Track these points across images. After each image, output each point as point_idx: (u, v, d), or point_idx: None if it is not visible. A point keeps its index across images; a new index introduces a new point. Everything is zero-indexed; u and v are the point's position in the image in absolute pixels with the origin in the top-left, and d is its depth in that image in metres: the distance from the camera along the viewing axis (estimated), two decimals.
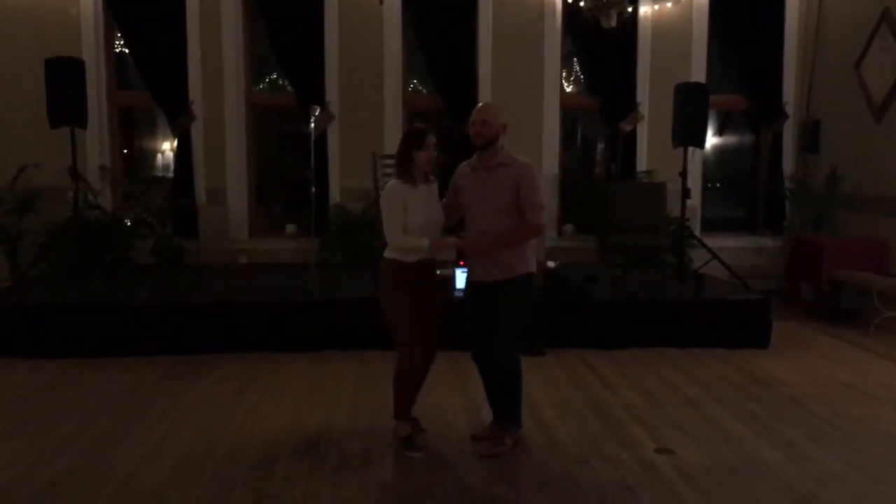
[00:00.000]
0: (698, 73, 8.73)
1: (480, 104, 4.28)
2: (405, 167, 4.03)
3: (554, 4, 8.63)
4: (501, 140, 4.10)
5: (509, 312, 4.08)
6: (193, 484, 3.80)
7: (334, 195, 8.56)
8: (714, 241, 7.87)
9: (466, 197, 4.17)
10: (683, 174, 7.21)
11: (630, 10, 8.47)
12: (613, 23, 8.34)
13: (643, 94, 8.82)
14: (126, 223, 8.14)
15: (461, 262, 6.20)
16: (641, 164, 8.84)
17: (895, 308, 6.85)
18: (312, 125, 6.73)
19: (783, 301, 8.10)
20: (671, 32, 8.76)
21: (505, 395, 4.27)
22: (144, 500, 3.63)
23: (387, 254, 4.14)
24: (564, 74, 9.22)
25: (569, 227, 8.96)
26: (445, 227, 4.34)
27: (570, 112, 9.34)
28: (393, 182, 4.09)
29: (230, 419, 4.72)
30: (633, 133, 8.86)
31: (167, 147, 9.53)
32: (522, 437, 4.37)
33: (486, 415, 4.72)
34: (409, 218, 4.00)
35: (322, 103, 8.25)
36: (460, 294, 6.04)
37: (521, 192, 3.99)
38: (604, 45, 8.63)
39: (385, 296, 4.15)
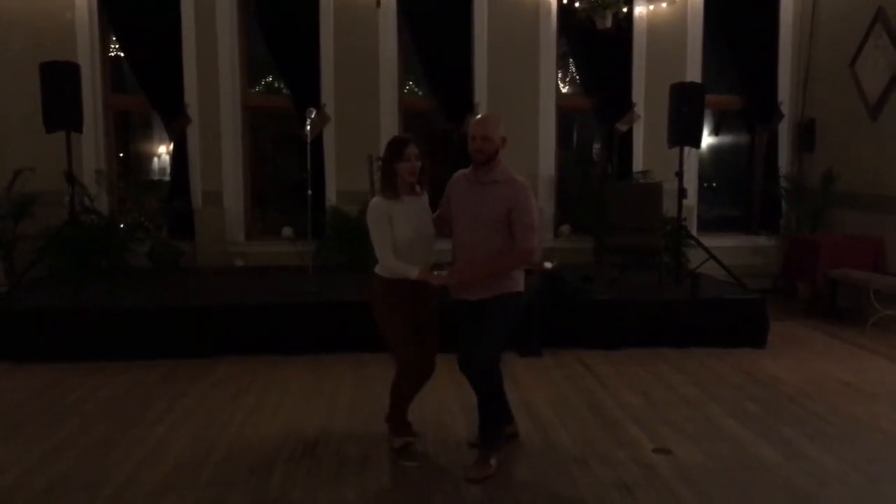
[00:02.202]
0: (694, 73, 8.73)
1: (479, 116, 4.14)
2: (387, 180, 3.91)
3: (549, 5, 8.63)
4: (500, 154, 3.94)
5: (489, 329, 3.93)
6: (191, 487, 3.80)
7: (331, 198, 8.55)
8: (710, 241, 7.86)
9: (457, 207, 4.04)
10: (679, 174, 7.22)
11: (625, 10, 8.48)
12: (609, 23, 8.35)
13: (639, 94, 8.82)
14: (122, 227, 8.13)
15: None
16: (638, 164, 8.84)
17: (891, 306, 6.87)
18: (308, 128, 6.74)
19: (780, 300, 8.11)
20: (666, 32, 8.77)
21: (484, 412, 4.09)
22: None
23: (377, 270, 4.02)
24: (560, 75, 9.23)
25: (565, 228, 8.96)
26: (439, 237, 4.16)
27: (566, 113, 9.34)
28: (375, 199, 3.95)
29: (228, 422, 4.72)
30: (630, 133, 8.87)
31: (163, 150, 9.53)
32: (514, 443, 4.33)
33: None
34: (396, 233, 3.88)
35: (318, 106, 8.24)
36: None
37: (513, 213, 3.85)
38: (599, 45, 8.64)
39: (376, 309, 4.06)
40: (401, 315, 3.97)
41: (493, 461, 4.03)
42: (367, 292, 4.16)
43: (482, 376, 3.99)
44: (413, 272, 3.86)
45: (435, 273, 3.97)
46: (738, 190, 9.77)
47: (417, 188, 4.01)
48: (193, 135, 8.49)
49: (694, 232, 8.34)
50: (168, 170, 8.95)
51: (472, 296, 3.97)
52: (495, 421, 4.13)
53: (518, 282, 4.02)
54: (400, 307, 3.97)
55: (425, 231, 4.02)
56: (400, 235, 3.89)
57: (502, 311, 3.95)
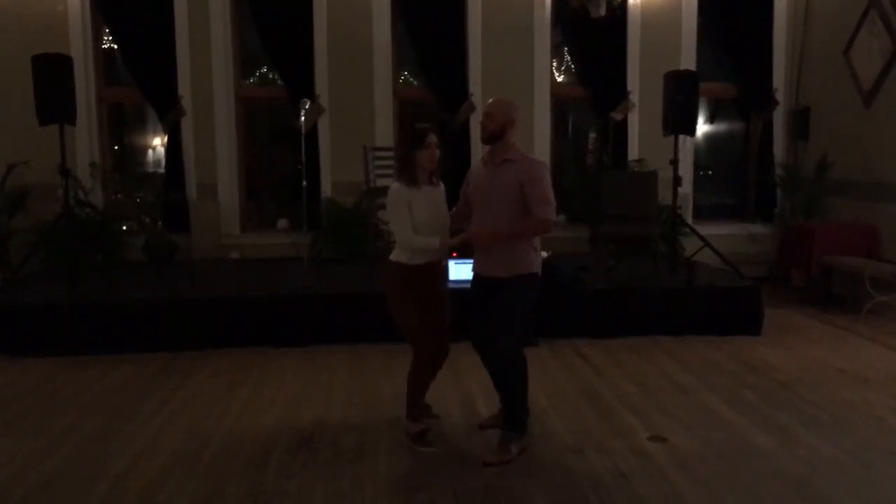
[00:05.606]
0: (688, 62, 8.71)
1: (490, 100, 4.26)
2: (406, 168, 3.99)
3: None
4: (512, 135, 4.04)
5: (506, 310, 3.98)
6: (187, 480, 3.81)
7: (326, 189, 8.54)
8: (706, 229, 7.88)
9: (474, 189, 4.14)
10: (675, 162, 7.22)
11: None
12: (603, 12, 8.31)
13: (634, 82, 8.81)
14: (117, 220, 8.10)
15: (454, 254, 6.18)
16: (633, 152, 8.83)
17: (886, 293, 6.89)
18: (303, 119, 6.72)
19: (775, 287, 8.12)
20: (661, 21, 8.75)
21: (507, 396, 4.16)
22: (138, 497, 3.63)
23: (393, 256, 4.09)
24: (555, 65, 9.20)
25: (561, 218, 8.95)
26: (460, 226, 4.25)
27: (561, 102, 9.32)
28: (395, 185, 4.03)
29: (224, 415, 4.72)
30: (625, 122, 8.86)
31: (157, 143, 9.49)
32: (529, 444, 4.18)
33: (482, 405, 4.75)
34: (414, 219, 3.96)
35: (312, 97, 8.22)
36: (452, 286, 6.06)
37: (525, 189, 3.91)
38: (593, 34, 8.61)
39: (393, 300, 4.11)
40: (415, 301, 4.03)
41: (514, 447, 4.05)
42: (380, 281, 4.21)
43: (505, 360, 4.04)
44: (435, 243, 3.98)
45: (456, 237, 4.10)
46: (734, 178, 9.77)
47: (435, 179, 4.10)
48: (187, 127, 8.47)
49: (689, 220, 8.36)
50: (162, 162, 8.92)
51: (489, 273, 4.04)
52: (518, 405, 4.13)
53: (535, 262, 4.06)
54: (414, 293, 4.02)
55: (441, 219, 4.11)
56: (417, 222, 3.97)
57: (516, 292, 3.98)
